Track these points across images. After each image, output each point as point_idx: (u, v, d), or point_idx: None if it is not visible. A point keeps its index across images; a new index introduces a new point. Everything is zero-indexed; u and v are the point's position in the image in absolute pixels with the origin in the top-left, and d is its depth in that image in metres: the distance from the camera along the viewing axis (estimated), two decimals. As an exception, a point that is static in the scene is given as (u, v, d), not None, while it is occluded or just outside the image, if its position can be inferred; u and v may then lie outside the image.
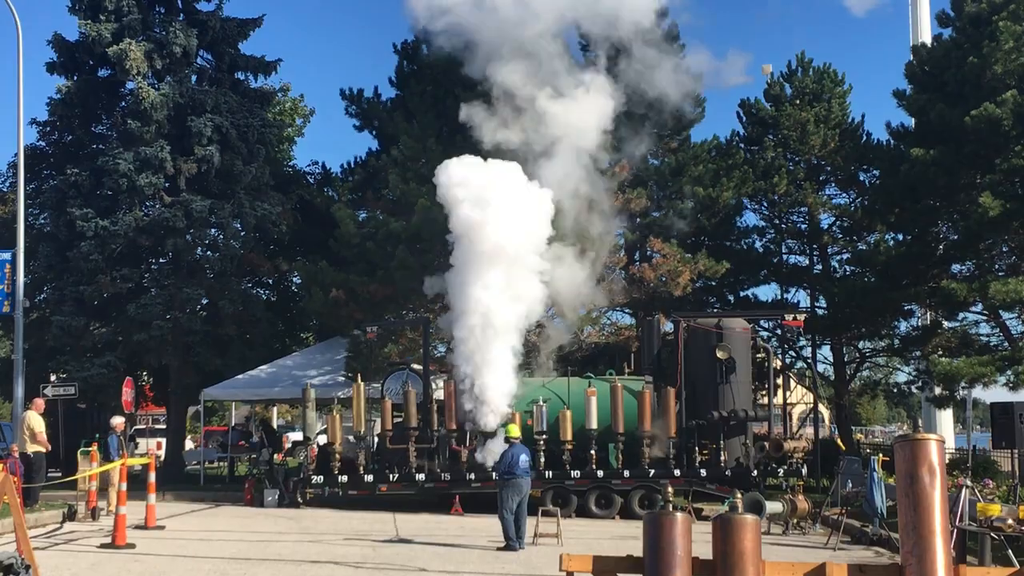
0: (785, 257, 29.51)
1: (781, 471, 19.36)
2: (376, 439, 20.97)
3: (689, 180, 25.90)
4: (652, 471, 19.07)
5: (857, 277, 27.19)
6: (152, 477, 16.49)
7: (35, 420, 18.57)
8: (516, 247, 19.44)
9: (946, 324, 25.51)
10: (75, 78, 27.56)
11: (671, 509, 5.34)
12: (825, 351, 29.31)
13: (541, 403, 19.34)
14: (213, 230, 27.59)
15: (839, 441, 25.81)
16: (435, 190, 20.31)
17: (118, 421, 19.22)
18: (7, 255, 23.56)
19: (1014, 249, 23.54)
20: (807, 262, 29.30)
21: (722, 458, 19.49)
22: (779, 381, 23.50)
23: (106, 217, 25.62)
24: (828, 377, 29.03)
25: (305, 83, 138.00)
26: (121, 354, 25.97)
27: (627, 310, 27.74)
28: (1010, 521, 11.83)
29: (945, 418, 31.93)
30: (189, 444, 33.39)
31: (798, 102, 28.23)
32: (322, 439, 23.73)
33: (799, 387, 31.67)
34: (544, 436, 19.18)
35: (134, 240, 25.96)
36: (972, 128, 21.58)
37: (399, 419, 20.61)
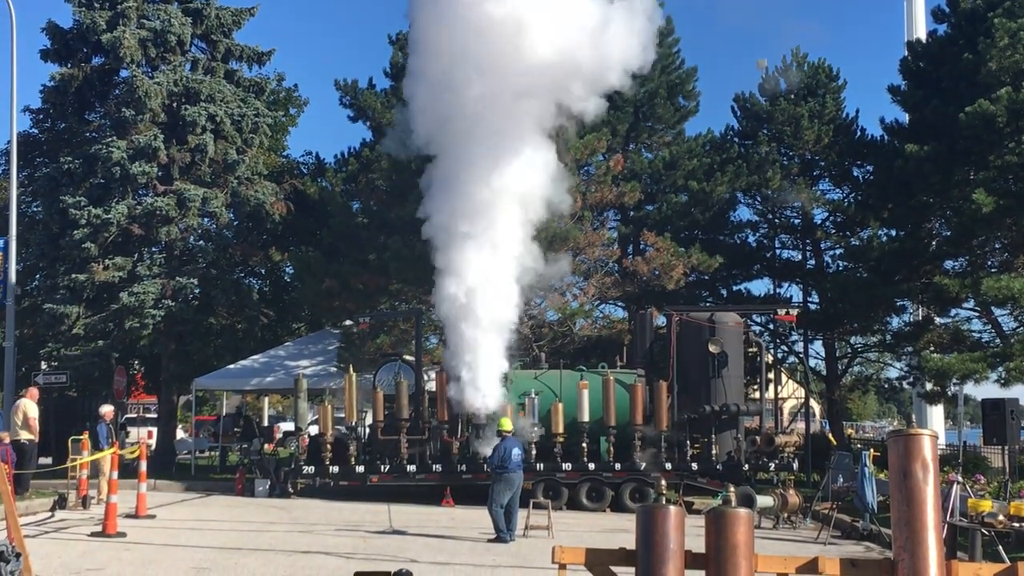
0: (778, 252, 29.52)
1: (772, 465, 19.42)
2: (368, 430, 20.95)
3: (683, 174, 25.91)
4: (643, 464, 19.10)
5: (850, 272, 27.23)
6: (143, 466, 16.46)
7: (31, 408, 18.54)
8: None
9: (938, 320, 25.59)
10: (69, 65, 27.45)
11: (664, 502, 5.33)
12: (817, 346, 29.38)
13: (533, 395, 19.35)
14: (206, 219, 27.54)
15: (830, 436, 25.85)
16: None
17: (107, 410, 19.19)
18: (-1, 242, 23.50)
19: (1007, 245, 23.61)
20: (800, 257, 29.32)
21: (713, 452, 19.53)
22: (771, 376, 23.52)
23: (99, 205, 25.53)
24: (820, 372, 29.07)
25: (299, 73, 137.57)
26: (113, 343, 25.92)
27: (620, 303, 27.75)
28: (1001, 517, 11.88)
29: (936, 414, 32.01)
30: (182, 434, 33.35)
31: (792, 97, 28.20)
32: (313, 429, 23.70)
33: (791, 382, 31.70)
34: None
35: (127, 228, 25.89)
36: (966, 124, 21.60)
37: (391, 410, 20.60)
